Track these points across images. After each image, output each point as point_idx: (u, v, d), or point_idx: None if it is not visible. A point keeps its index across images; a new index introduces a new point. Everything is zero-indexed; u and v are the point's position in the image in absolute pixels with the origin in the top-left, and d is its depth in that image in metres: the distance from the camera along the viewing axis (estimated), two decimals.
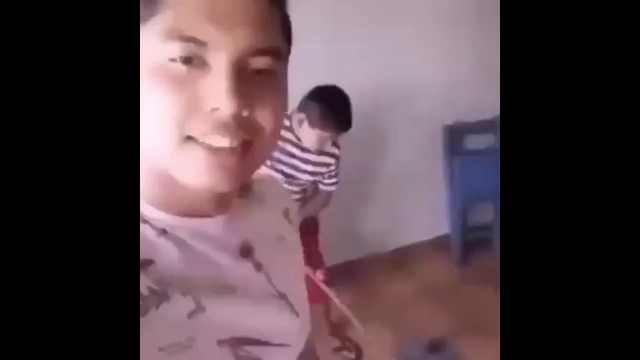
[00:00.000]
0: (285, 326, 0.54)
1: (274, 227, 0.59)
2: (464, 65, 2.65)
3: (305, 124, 1.72)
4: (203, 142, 0.42)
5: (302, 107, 1.74)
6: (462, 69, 2.65)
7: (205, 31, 0.40)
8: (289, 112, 1.77)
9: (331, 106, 1.69)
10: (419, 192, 2.82)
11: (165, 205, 0.47)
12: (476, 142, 2.74)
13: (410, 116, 2.61)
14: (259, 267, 0.53)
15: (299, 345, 0.58)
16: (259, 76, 0.43)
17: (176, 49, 0.40)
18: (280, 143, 1.75)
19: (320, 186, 1.95)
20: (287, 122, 1.76)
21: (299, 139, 1.78)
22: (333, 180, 1.93)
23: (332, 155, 1.87)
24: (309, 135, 1.74)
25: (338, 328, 2.28)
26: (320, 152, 1.83)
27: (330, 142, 1.80)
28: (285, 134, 1.76)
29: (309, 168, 1.84)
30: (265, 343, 0.51)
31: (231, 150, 0.42)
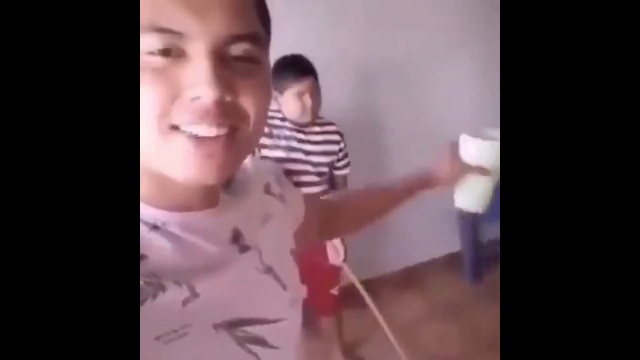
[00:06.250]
0: (275, 300, 0.55)
1: (258, 208, 0.60)
2: (472, 79, 2.66)
3: (279, 97, 1.70)
4: (188, 132, 0.41)
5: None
6: (470, 83, 2.66)
7: (181, 21, 0.39)
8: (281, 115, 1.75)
9: (280, 59, 1.68)
10: (429, 209, 2.80)
11: (155, 201, 0.47)
12: None
13: (416, 131, 2.61)
14: (248, 248, 0.54)
15: (295, 318, 0.58)
16: (239, 62, 0.43)
17: (153, 42, 0.40)
18: (284, 142, 1.72)
19: (335, 172, 1.90)
20: (286, 123, 1.74)
21: (295, 124, 1.74)
22: (345, 161, 1.89)
23: (331, 124, 1.84)
24: (285, 103, 1.70)
25: (350, 348, 2.25)
26: (316, 124, 1.79)
27: (310, 107, 1.70)
28: (284, 131, 1.73)
29: (319, 148, 1.79)
30: (262, 321, 0.51)
31: (216, 139, 0.42)
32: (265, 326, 0.51)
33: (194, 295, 0.45)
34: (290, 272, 0.60)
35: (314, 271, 1.77)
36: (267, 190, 0.64)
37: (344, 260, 1.87)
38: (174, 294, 0.44)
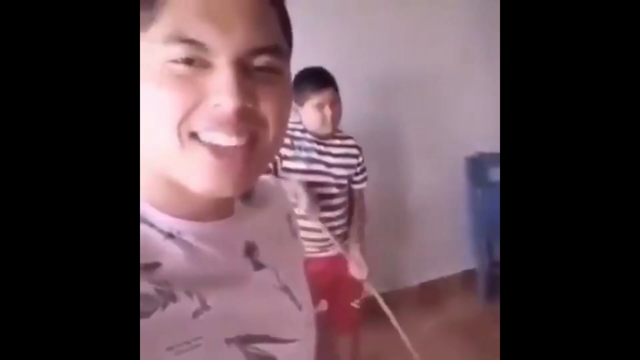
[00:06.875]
0: (291, 320, 0.54)
1: (275, 228, 0.60)
2: (488, 91, 2.65)
3: (299, 109, 1.72)
4: (208, 143, 0.42)
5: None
6: (487, 95, 2.65)
7: (204, 33, 0.40)
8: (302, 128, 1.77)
9: (300, 71, 1.70)
10: (445, 226, 2.79)
11: (170, 209, 0.47)
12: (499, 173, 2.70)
13: (433, 148, 2.62)
14: (262, 265, 0.53)
15: (309, 339, 0.57)
16: (261, 72, 0.43)
17: (177, 51, 0.41)
18: (305, 153, 1.74)
19: (352, 186, 1.91)
20: (306, 135, 1.76)
21: (315, 135, 1.76)
22: (362, 175, 1.90)
23: (349, 138, 1.85)
24: (305, 115, 1.72)
25: None
26: (336, 137, 1.80)
27: (330, 118, 1.70)
28: (304, 142, 1.75)
29: (340, 161, 1.80)
30: (275, 340, 0.51)
31: (235, 150, 0.43)
32: (279, 345, 0.51)
33: (205, 307, 0.45)
34: (305, 293, 0.60)
35: (336, 284, 1.77)
36: (289, 219, 0.65)
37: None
38: (184, 305, 0.44)
